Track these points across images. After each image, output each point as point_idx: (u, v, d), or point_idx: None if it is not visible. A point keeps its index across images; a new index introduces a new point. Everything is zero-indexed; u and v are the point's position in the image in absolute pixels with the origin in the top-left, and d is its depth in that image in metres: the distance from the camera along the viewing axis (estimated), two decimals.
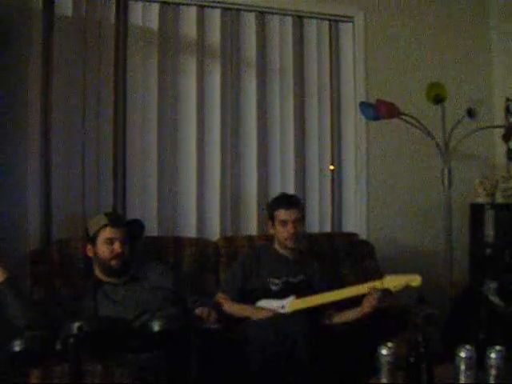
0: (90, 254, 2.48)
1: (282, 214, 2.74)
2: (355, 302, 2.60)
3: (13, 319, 2.20)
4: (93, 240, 2.45)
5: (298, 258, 2.80)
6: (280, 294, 2.62)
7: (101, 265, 2.45)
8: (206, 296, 2.62)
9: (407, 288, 2.49)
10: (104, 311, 2.35)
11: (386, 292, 2.50)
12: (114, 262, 2.42)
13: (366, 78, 3.56)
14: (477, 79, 3.81)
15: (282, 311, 2.54)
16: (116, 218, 2.53)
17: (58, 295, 2.49)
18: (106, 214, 2.53)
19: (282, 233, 2.74)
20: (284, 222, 2.74)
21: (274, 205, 2.82)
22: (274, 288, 2.67)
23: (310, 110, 3.48)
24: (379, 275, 2.60)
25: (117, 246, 2.41)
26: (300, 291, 2.63)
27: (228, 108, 3.30)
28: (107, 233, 2.43)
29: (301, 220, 2.76)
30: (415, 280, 2.48)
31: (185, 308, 2.43)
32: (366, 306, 2.50)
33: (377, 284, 2.52)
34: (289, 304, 2.56)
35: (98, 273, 2.48)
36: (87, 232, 2.50)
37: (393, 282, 2.50)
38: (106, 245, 2.42)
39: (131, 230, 2.53)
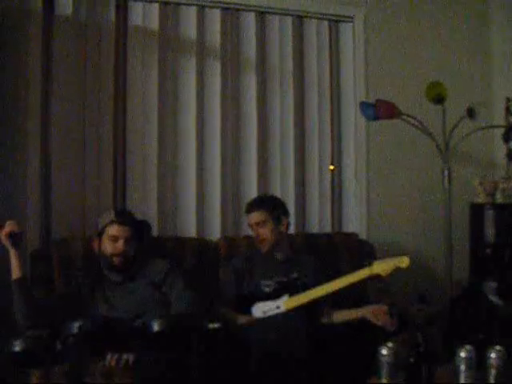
0: (96, 249, 2.49)
1: (247, 219, 2.77)
2: (352, 299, 2.62)
3: (16, 317, 2.24)
4: (99, 235, 2.48)
5: (290, 257, 2.79)
6: (273, 295, 2.61)
7: (103, 260, 2.46)
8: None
9: (397, 270, 2.49)
10: (100, 312, 2.37)
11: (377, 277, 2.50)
12: (115, 259, 2.43)
13: (366, 77, 3.56)
14: (477, 79, 3.81)
15: (277, 311, 2.54)
16: (123, 216, 2.52)
17: (59, 297, 2.50)
18: (116, 211, 2.56)
19: (254, 237, 2.76)
20: (250, 227, 2.76)
21: None
22: (266, 290, 2.66)
23: (310, 109, 3.48)
24: (368, 262, 2.59)
25: (120, 244, 2.43)
26: (294, 289, 2.62)
27: (228, 108, 3.30)
28: (113, 230, 2.44)
29: (265, 221, 2.70)
30: (403, 261, 2.46)
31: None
32: (372, 316, 2.50)
33: (366, 271, 2.52)
34: (284, 303, 2.56)
35: (103, 267, 2.49)
36: (97, 226, 2.52)
37: (382, 266, 2.49)
38: (110, 241, 2.43)
39: (138, 230, 2.53)
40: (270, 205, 2.77)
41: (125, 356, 2.12)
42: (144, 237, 2.60)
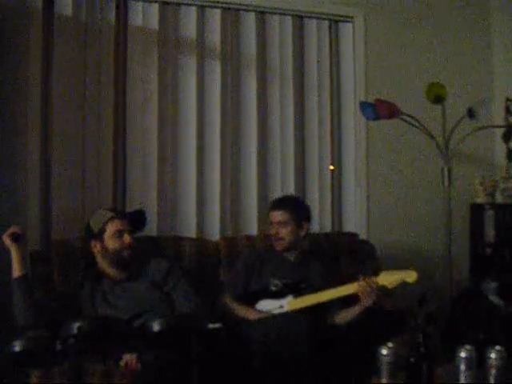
0: (96, 250, 2.48)
1: (269, 215, 2.78)
2: (356, 301, 2.62)
3: (16, 316, 2.25)
4: (99, 235, 2.45)
5: (301, 259, 2.80)
6: (279, 295, 2.62)
7: (111, 258, 2.44)
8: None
9: (403, 284, 2.49)
10: (99, 312, 2.37)
11: (382, 288, 2.50)
12: (125, 253, 2.43)
13: (366, 78, 3.56)
14: (477, 79, 3.81)
15: (280, 311, 2.54)
16: (119, 211, 2.57)
17: (59, 296, 2.50)
18: (110, 208, 2.57)
19: (270, 234, 2.76)
20: (270, 223, 2.76)
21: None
22: (273, 289, 2.67)
23: (309, 110, 3.48)
24: (375, 272, 2.60)
25: (126, 237, 2.44)
26: (299, 291, 2.62)
27: (228, 108, 3.30)
28: (116, 225, 2.44)
29: (287, 223, 2.71)
30: (411, 276, 2.46)
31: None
32: (366, 300, 2.49)
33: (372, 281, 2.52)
34: (287, 304, 2.56)
35: (104, 267, 2.47)
36: (89, 229, 2.49)
37: (388, 278, 2.49)
38: (116, 237, 2.43)
39: (134, 221, 2.54)
40: (296, 207, 2.77)
41: (134, 356, 2.12)
42: (140, 227, 2.60)
